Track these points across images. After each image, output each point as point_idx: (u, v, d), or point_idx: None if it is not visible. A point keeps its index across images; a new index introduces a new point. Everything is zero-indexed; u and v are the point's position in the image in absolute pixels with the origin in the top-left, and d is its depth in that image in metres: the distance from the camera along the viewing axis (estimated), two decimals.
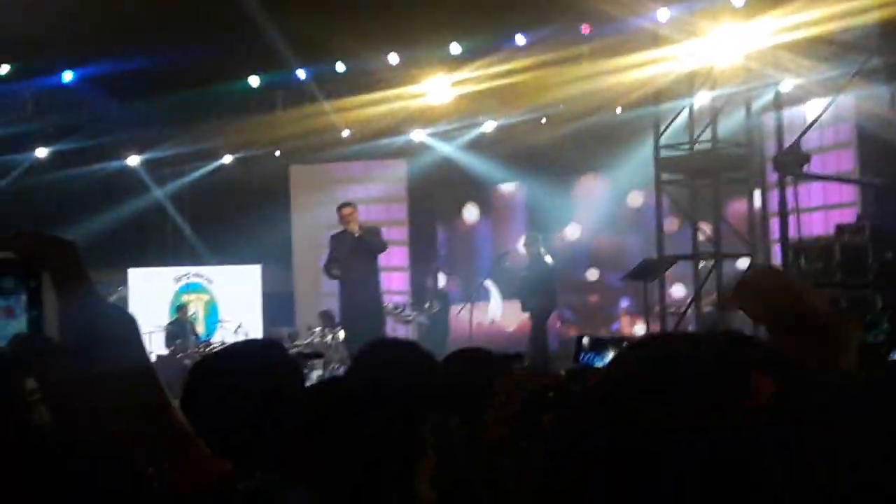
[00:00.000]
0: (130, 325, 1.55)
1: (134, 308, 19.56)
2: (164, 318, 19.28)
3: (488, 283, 20.04)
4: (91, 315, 1.48)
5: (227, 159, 22.90)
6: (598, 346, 5.57)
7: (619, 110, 19.01)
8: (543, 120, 20.09)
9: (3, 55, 18.72)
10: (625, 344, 5.36)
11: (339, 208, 13.91)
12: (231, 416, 2.94)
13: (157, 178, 23.19)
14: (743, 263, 16.77)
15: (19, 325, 1.43)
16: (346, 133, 21.25)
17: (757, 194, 17.59)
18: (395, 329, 18.55)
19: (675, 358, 1.46)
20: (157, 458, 1.55)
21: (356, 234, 13.51)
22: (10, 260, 1.43)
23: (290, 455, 2.44)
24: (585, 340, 5.77)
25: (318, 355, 14.00)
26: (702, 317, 16.45)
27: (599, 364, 5.58)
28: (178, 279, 21.18)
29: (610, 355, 5.46)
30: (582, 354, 5.68)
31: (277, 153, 22.59)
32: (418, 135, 21.21)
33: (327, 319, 18.39)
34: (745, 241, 16.34)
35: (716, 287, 16.03)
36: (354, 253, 13.49)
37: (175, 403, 1.68)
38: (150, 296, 19.52)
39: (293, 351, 14.44)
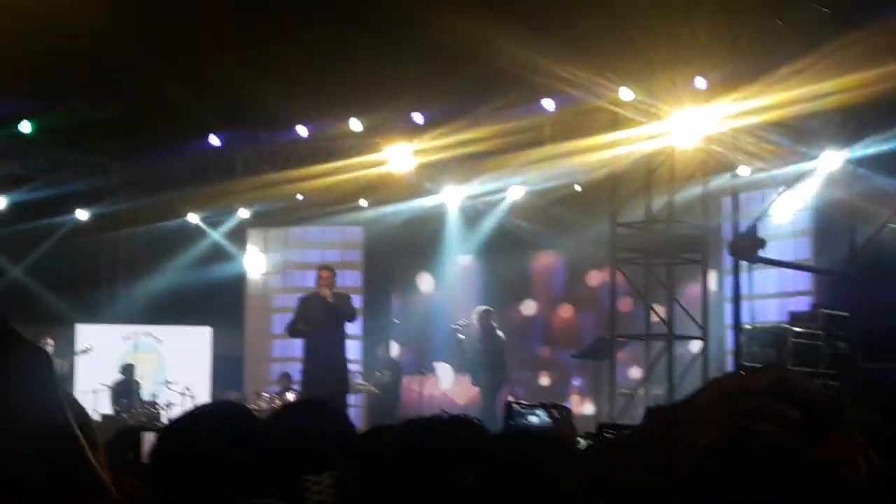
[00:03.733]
0: (45, 366, 1.46)
1: (81, 365, 19.30)
2: (111, 376, 19.00)
3: (437, 364, 19.92)
4: (8, 361, 1.39)
5: (191, 218, 22.71)
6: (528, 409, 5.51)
7: (578, 188, 19.06)
8: (504, 194, 20.14)
9: None
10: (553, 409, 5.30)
11: (319, 270, 13.93)
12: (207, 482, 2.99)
13: (111, 232, 23.01)
14: (695, 346, 16.76)
15: None
16: (303, 198, 21.19)
17: (712, 277, 17.60)
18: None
19: None
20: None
21: (329, 300, 13.40)
22: None
23: None
24: (516, 406, 5.71)
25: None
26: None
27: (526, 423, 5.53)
28: (126, 337, 20.93)
29: (537, 416, 5.40)
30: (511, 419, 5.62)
31: (238, 214, 22.46)
32: (376, 202, 21.12)
33: (287, 381, 18.28)
34: (697, 325, 16.32)
35: (666, 369, 15.97)
36: (324, 317, 13.38)
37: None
38: (98, 353, 19.21)
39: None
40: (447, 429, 2.93)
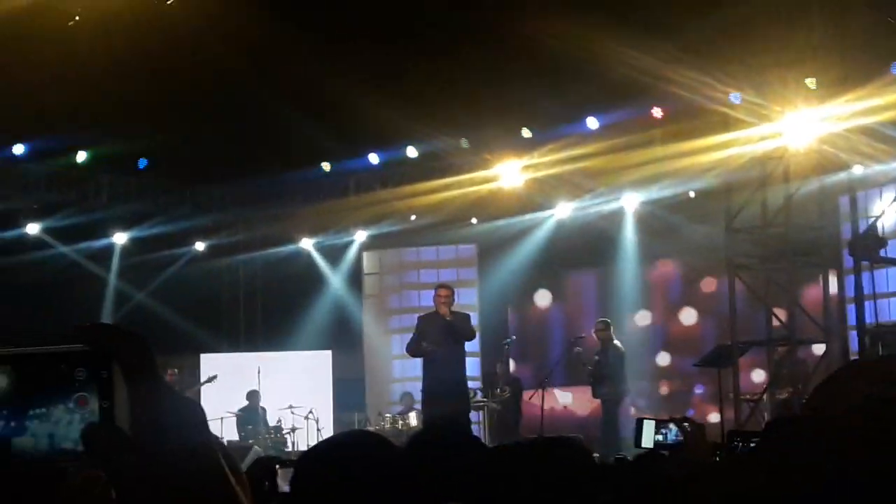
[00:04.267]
0: (199, 417, 1.52)
1: (206, 393, 19.62)
2: (236, 403, 19.28)
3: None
4: (160, 406, 1.46)
5: (305, 244, 23.06)
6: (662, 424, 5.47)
7: (692, 194, 18.89)
8: (616, 204, 20.05)
9: (79, 142, 19.06)
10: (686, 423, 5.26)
11: (437, 289, 13.79)
12: None
13: (228, 262, 23.44)
14: (818, 349, 16.52)
15: (92, 415, 1.42)
16: (416, 218, 21.31)
17: (833, 278, 17.33)
18: None
19: None
20: None
21: (448, 318, 13.33)
22: (82, 351, 1.42)
23: None
24: (646, 422, 5.66)
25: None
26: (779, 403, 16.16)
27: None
28: (249, 364, 21.16)
29: (663, 434, 5.36)
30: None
31: (353, 237, 22.72)
32: (487, 218, 21.15)
33: (410, 401, 18.41)
34: (819, 327, 16.08)
35: (790, 373, 15.77)
36: (444, 336, 13.30)
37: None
38: (223, 381, 19.50)
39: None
40: (555, 452, 2.99)
